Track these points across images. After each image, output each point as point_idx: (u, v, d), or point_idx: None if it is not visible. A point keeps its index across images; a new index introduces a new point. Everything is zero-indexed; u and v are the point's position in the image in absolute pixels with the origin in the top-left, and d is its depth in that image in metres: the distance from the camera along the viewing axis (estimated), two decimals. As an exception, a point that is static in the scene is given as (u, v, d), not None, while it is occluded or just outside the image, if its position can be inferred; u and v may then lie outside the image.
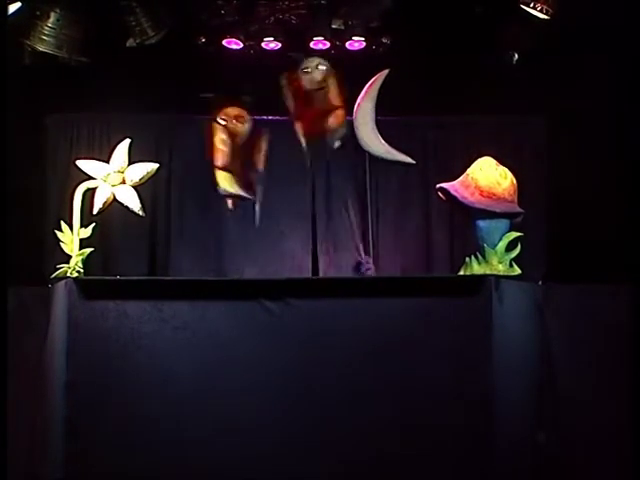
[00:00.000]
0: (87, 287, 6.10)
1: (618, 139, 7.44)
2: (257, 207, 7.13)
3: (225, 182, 6.98)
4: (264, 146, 7.07)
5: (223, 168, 6.97)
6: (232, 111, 7.03)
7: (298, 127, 7.04)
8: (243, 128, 7.02)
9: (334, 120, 6.97)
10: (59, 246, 6.57)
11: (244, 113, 7.05)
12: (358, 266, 7.33)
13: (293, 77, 7.00)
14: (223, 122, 6.98)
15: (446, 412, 5.90)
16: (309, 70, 6.93)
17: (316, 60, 6.95)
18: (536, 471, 6.00)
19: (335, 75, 6.94)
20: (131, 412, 5.94)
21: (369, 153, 7.31)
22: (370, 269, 7.25)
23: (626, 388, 6.07)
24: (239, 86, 7.24)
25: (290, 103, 7.06)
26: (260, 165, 7.08)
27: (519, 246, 6.44)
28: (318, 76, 6.91)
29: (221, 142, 6.98)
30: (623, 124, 7.35)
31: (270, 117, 7.36)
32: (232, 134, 7.01)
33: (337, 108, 6.98)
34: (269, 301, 6.07)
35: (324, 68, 6.92)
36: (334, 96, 6.96)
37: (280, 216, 7.61)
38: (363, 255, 7.35)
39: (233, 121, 6.99)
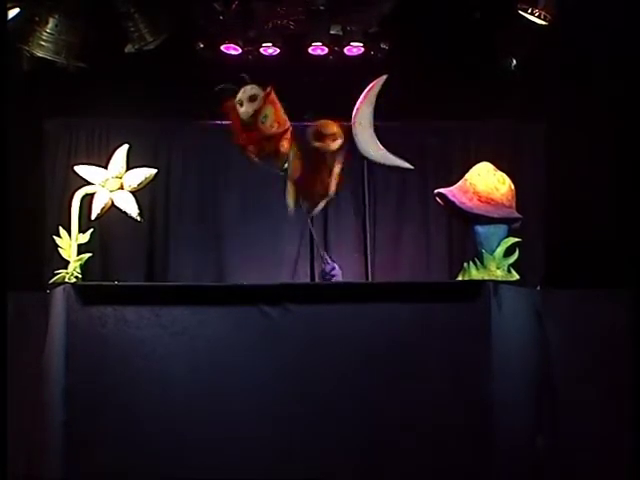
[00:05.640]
0: (85, 293, 6.08)
1: (617, 145, 7.45)
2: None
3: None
4: (337, 169, 6.66)
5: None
6: (327, 129, 6.57)
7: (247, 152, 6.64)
8: (335, 146, 6.56)
9: (285, 143, 6.56)
10: (57, 251, 6.54)
11: (338, 129, 6.60)
12: (323, 273, 7.04)
13: (231, 106, 6.54)
14: (317, 144, 6.55)
15: (446, 417, 5.88)
16: (240, 102, 6.44)
17: (247, 91, 6.43)
18: (536, 475, 5.99)
19: (272, 102, 6.44)
20: (130, 417, 5.91)
21: (367, 158, 7.30)
22: (336, 275, 6.80)
23: (626, 392, 6.06)
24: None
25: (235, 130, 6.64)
26: (332, 189, 6.68)
27: (517, 251, 6.42)
28: (250, 109, 6.41)
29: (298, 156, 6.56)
30: (622, 130, 7.36)
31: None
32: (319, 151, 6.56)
33: (284, 132, 6.54)
34: (268, 306, 6.05)
35: (256, 99, 6.40)
36: (274, 123, 6.47)
37: (278, 220, 7.62)
38: (329, 262, 7.01)
39: (327, 141, 6.55)
